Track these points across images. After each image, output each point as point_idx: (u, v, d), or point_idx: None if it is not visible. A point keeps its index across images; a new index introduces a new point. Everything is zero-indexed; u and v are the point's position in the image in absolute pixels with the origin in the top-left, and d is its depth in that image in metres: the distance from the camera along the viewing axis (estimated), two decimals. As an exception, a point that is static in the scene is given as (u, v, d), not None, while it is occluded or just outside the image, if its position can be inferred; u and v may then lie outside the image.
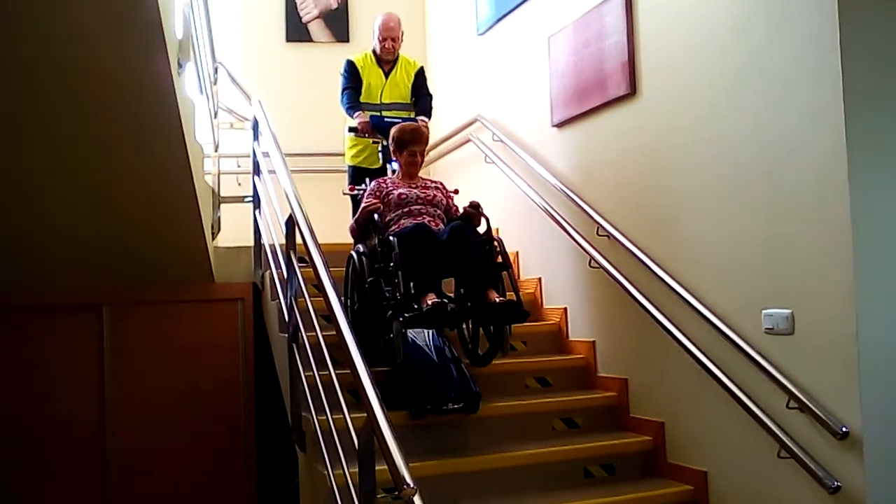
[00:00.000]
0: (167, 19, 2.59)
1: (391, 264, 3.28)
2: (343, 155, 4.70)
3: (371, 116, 4.26)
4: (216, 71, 4.90)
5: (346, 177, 4.66)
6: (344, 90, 4.45)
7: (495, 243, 3.54)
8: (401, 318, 3.17)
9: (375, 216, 3.54)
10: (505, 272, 3.51)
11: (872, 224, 2.58)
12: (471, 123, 5.25)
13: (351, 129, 4.35)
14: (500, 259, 3.53)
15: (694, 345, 3.16)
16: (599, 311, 3.92)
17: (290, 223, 3.26)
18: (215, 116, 4.64)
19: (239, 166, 5.49)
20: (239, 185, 5.37)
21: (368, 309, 3.40)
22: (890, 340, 2.59)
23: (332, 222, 4.10)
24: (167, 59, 2.62)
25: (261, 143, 4.27)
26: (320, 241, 2.92)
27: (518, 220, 4.64)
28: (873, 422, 2.53)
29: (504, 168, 4.72)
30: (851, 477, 2.55)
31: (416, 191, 3.71)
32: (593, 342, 3.95)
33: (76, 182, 3.32)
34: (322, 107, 5.59)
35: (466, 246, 3.41)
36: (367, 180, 3.99)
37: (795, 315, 2.77)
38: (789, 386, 2.73)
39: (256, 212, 4.43)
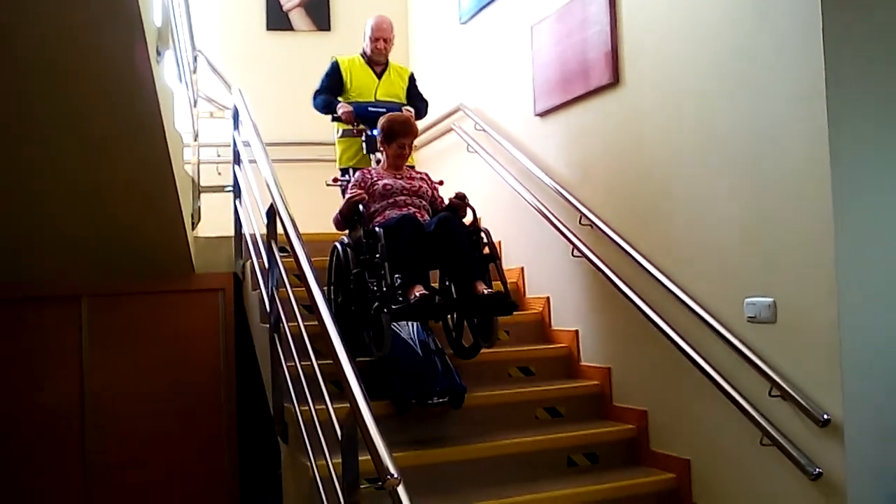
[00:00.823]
0: (146, 6, 2.55)
1: (377, 256, 3.25)
2: (333, 149, 4.65)
3: (355, 106, 4.23)
4: (196, 59, 4.83)
5: (327, 166, 4.63)
6: (316, 93, 4.39)
7: (482, 234, 3.51)
8: (387, 311, 3.14)
9: (360, 207, 3.50)
10: (492, 264, 3.49)
11: (854, 212, 2.59)
12: (453, 112, 5.23)
13: (334, 119, 4.32)
14: (487, 250, 3.51)
15: (677, 333, 3.17)
16: (582, 301, 3.92)
17: (271, 213, 3.23)
18: (195, 105, 4.58)
19: (219, 156, 5.42)
20: (219, 174, 5.31)
21: (353, 301, 3.38)
22: (871, 329, 2.61)
23: (314, 212, 4.05)
24: (146, 46, 2.58)
25: (241, 132, 4.23)
26: (302, 231, 2.89)
27: (500, 209, 4.63)
28: (854, 409, 2.55)
29: (486, 157, 4.71)
30: (833, 464, 2.57)
31: (401, 181, 3.68)
32: (576, 331, 3.95)
33: (55, 171, 3.27)
34: (303, 96, 5.53)
35: (454, 237, 3.38)
36: (352, 171, 3.97)
37: (778, 303, 2.78)
38: (771, 374, 2.75)
39: (237, 201, 4.39)
